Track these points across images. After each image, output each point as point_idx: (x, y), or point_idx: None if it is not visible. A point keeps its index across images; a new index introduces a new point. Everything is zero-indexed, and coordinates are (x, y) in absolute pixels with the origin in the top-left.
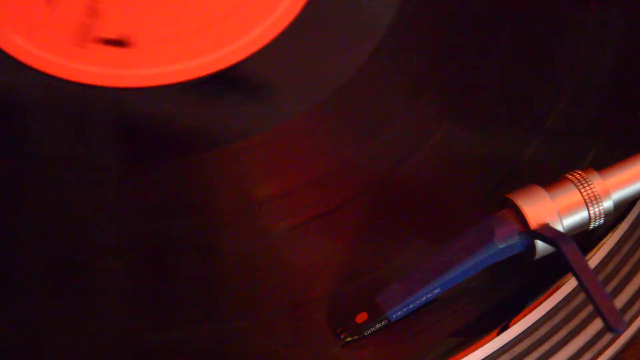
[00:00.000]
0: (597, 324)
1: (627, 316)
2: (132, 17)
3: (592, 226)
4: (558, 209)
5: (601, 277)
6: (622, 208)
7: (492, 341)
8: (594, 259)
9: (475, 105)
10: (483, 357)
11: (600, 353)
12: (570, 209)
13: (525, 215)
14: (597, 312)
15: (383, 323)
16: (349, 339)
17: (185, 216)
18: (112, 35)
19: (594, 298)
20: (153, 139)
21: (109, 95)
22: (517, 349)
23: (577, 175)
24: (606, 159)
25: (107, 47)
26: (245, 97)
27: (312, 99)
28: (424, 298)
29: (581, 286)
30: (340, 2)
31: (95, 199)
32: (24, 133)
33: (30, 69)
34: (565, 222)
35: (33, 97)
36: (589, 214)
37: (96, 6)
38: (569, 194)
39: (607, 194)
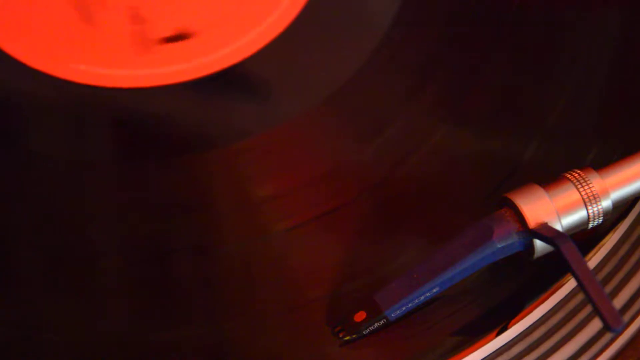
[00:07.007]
0: (596, 324)
1: (626, 316)
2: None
3: (590, 225)
4: (557, 208)
5: (600, 277)
6: (622, 208)
7: (492, 342)
8: (594, 259)
9: (475, 106)
10: (482, 357)
11: (599, 353)
12: (568, 208)
13: (524, 215)
14: (596, 312)
15: (382, 322)
16: (347, 338)
17: (185, 216)
18: (169, 32)
19: (592, 297)
20: (153, 139)
21: (109, 96)
22: (516, 349)
23: (576, 175)
24: (606, 159)
25: (167, 44)
26: (245, 97)
27: (312, 99)
28: (422, 297)
29: (579, 285)
30: (339, 2)
31: (96, 198)
32: (24, 133)
33: (32, 70)
34: (564, 222)
35: (33, 97)
36: (588, 213)
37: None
38: (567, 193)
39: (605, 193)
